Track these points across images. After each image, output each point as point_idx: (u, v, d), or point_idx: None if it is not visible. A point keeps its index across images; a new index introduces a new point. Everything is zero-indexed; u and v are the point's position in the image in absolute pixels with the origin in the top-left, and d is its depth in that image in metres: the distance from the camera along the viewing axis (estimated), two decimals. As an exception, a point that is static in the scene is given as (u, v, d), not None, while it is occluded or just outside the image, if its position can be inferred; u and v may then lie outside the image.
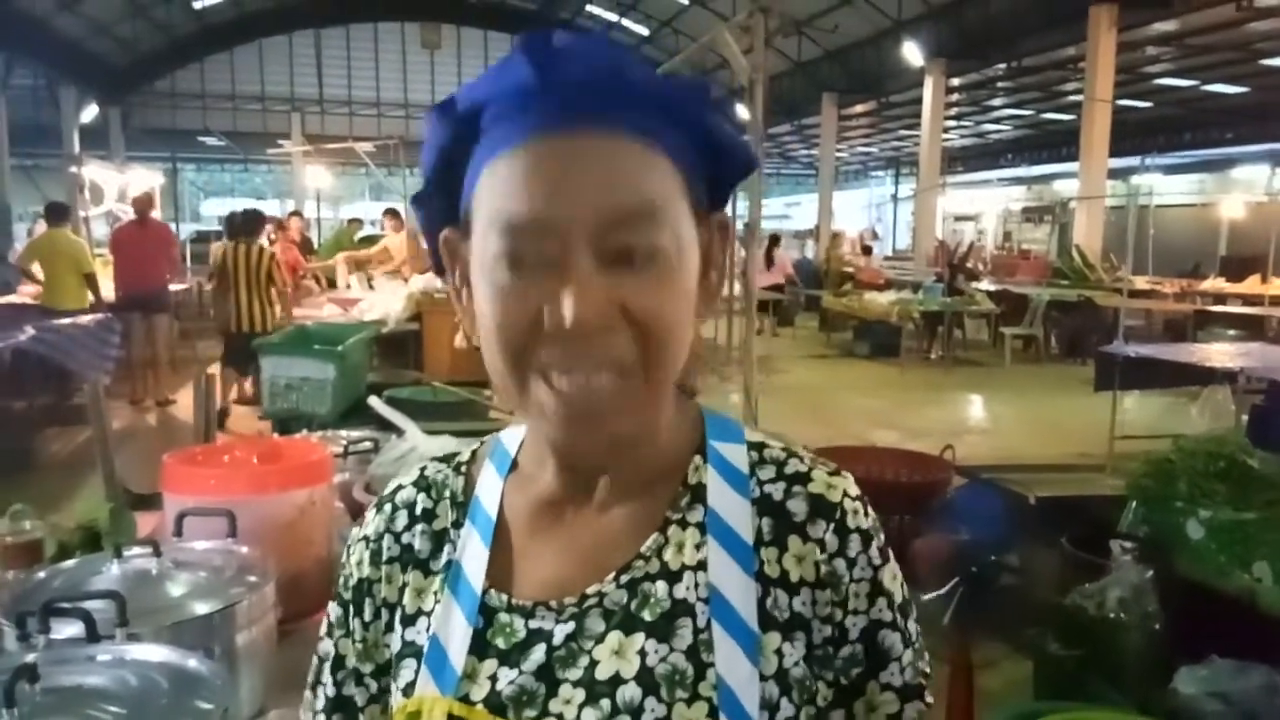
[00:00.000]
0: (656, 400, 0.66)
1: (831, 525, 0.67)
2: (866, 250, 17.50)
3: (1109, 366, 6.08)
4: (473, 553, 0.71)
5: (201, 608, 1.28)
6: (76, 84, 19.65)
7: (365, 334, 4.85)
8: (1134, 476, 3.59)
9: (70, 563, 1.39)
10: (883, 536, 0.70)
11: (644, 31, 23.98)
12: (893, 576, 0.69)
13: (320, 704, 0.77)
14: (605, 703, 0.63)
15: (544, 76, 0.62)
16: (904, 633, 0.69)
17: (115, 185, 12.16)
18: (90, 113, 20.38)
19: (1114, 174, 14.71)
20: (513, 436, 0.77)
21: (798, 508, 0.68)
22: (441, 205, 0.69)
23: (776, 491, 0.69)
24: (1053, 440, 7.17)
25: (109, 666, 1.08)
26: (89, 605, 1.16)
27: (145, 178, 12.19)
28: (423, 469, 0.79)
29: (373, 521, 0.77)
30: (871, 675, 0.67)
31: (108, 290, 8.29)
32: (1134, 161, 12.47)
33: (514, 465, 0.75)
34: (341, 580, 0.78)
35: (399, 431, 2.47)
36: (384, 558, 0.74)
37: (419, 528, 0.74)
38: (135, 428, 7.35)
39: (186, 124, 25.15)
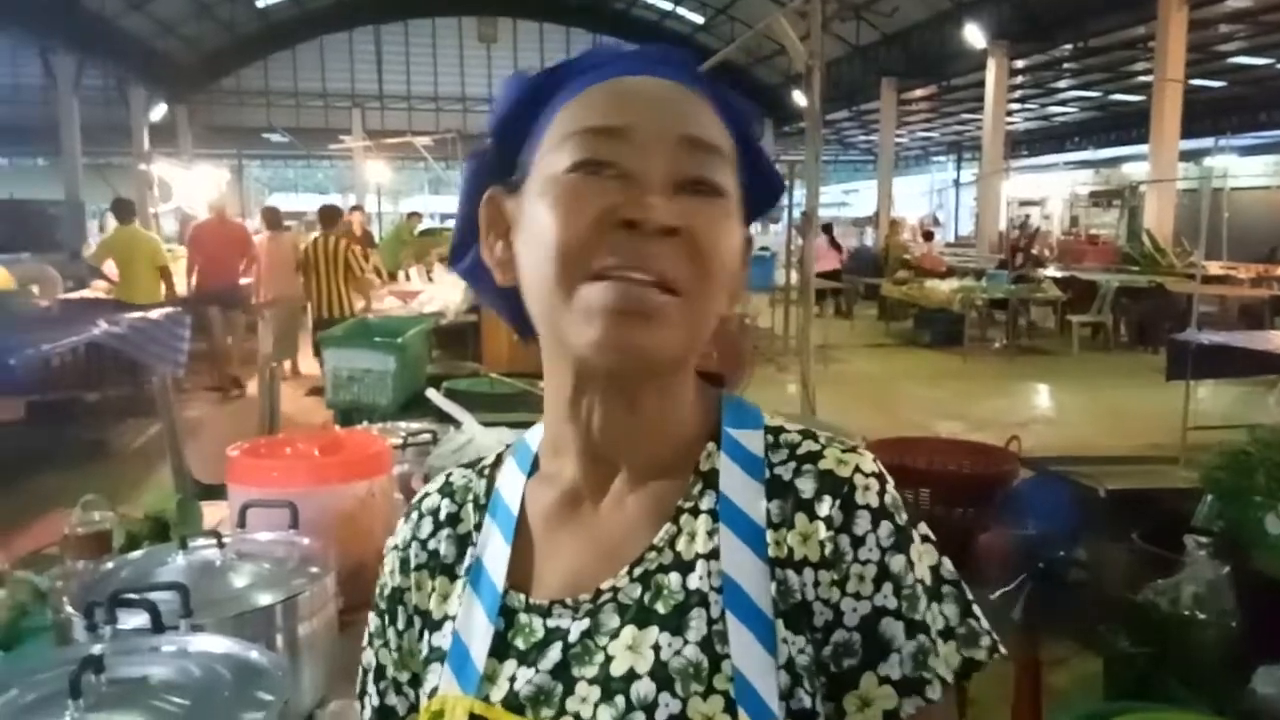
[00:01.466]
0: (697, 328, 0.64)
1: (838, 501, 0.64)
2: (928, 236, 17.19)
3: (1182, 354, 5.90)
4: (494, 551, 0.71)
5: (264, 599, 1.30)
6: (145, 83, 20.18)
7: (424, 326, 4.90)
8: (1209, 469, 3.46)
9: (137, 554, 1.42)
10: (904, 517, 0.65)
11: (698, 20, 23.84)
12: (907, 563, 0.63)
13: (367, 714, 0.78)
14: (620, 699, 0.61)
15: (633, 50, 0.69)
16: (911, 623, 0.62)
17: (183, 182, 12.48)
18: (159, 111, 20.93)
19: (1185, 156, 14.23)
20: (536, 434, 0.77)
21: (806, 485, 0.65)
22: (496, 158, 0.71)
23: (787, 472, 0.66)
24: (1123, 431, 6.98)
25: (173, 657, 1.09)
26: (154, 596, 1.18)
27: (212, 175, 12.49)
28: (448, 475, 0.79)
29: (402, 530, 0.78)
30: (868, 666, 0.62)
31: (183, 285, 8.57)
32: (1207, 143, 12.07)
33: (536, 463, 0.75)
34: (377, 590, 0.79)
35: (457, 423, 2.48)
36: (412, 565, 0.75)
37: (444, 533, 0.75)
38: (208, 417, 7.53)
39: (251, 121, 25.71)
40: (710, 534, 0.65)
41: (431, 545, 0.75)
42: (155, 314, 7.15)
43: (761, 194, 0.71)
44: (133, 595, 1.18)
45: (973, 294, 11.40)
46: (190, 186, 12.36)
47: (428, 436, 2.41)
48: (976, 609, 0.66)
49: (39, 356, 5.53)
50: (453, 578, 0.73)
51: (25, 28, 15.36)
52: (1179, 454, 5.30)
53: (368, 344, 4.10)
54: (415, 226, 12.67)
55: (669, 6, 24.03)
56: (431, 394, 2.45)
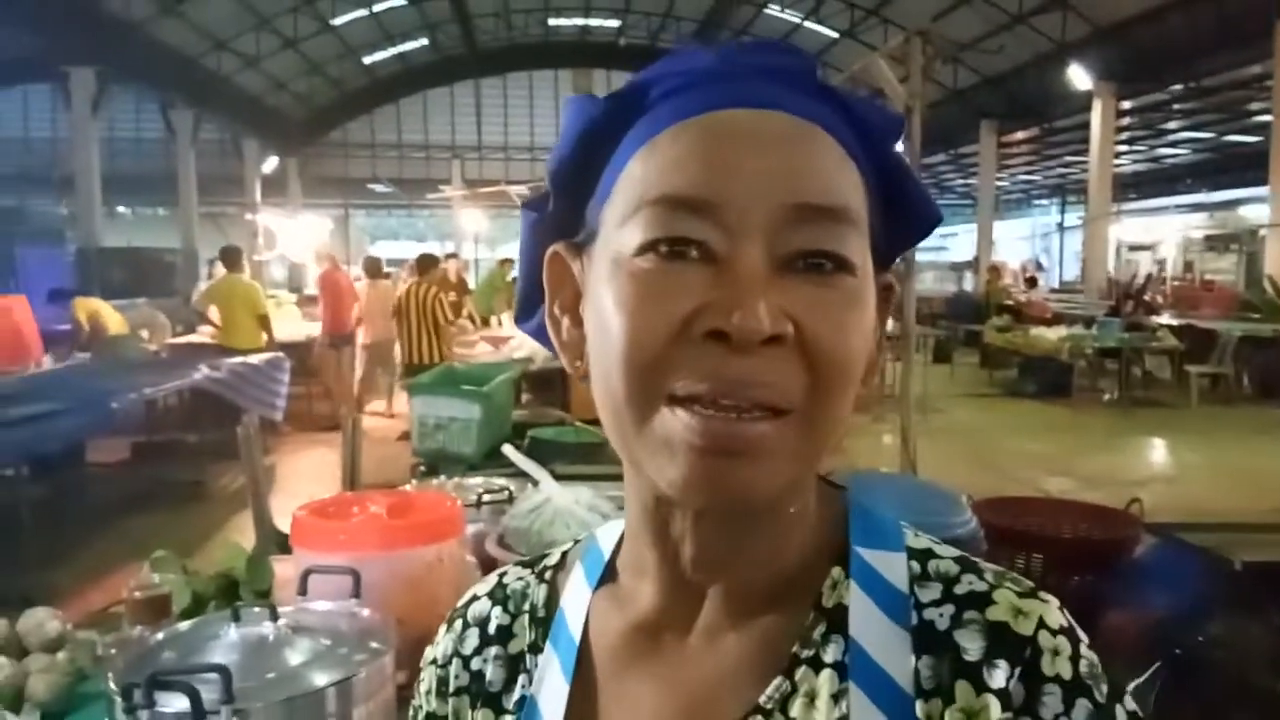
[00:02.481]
0: (812, 456, 0.51)
1: (1018, 670, 0.48)
2: (1031, 282, 16.64)
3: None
4: (551, 689, 0.58)
5: (317, 680, 1.20)
6: (258, 137, 21.20)
7: (511, 374, 4.88)
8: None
9: (186, 625, 1.34)
10: (1104, 690, 0.49)
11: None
12: None
13: None
14: None
15: (727, 59, 0.53)
16: None
17: (289, 231, 12.95)
18: (271, 163, 21.93)
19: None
20: (610, 535, 0.63)
21: (971, 642, 0.50)
22: (560, 211, 0.58)
23: (943, 618, 0.51)
24: (1251, 493, 6.48)
25: (210, 750, 1.00)
26: (197, 679, 1.09)
27: (315, 224, 12.92)
28: (502, 575, 0.66)
29: (443, 641, 0.65)
30: None
31: (313, 329, 8.99)
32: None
33: (607, 573, 0.61)
34: (411, 712, 0.66)
35: (535, 481, 2.38)
36: (451, 688, 0.63)
37: (492, 651, 0.62)
38: (313, 458, 7.61)
39: (357, 172, 26.79)
40: (836, 697, 0.50)
41: (476, 665, 0.62)
42: (255, 359, 7.33)
43: (902, 221, 0.56)
44: (173, 679, 1.09)
45: (1082, 342, 10.90)
46: (295, 235, 12.81)
47: (505, 494, 2.31)
48: None
49: (145, 400, 5.70)
50: (499, 711, 0.60)
51: (148, 84, 16.31)
52: (1320, 520, 4.86)
53: (454, 392, 4.10)
54: (508, 273, 12.83)
55: (762, 55, 24.06)
56: (508, 450, 2.35)
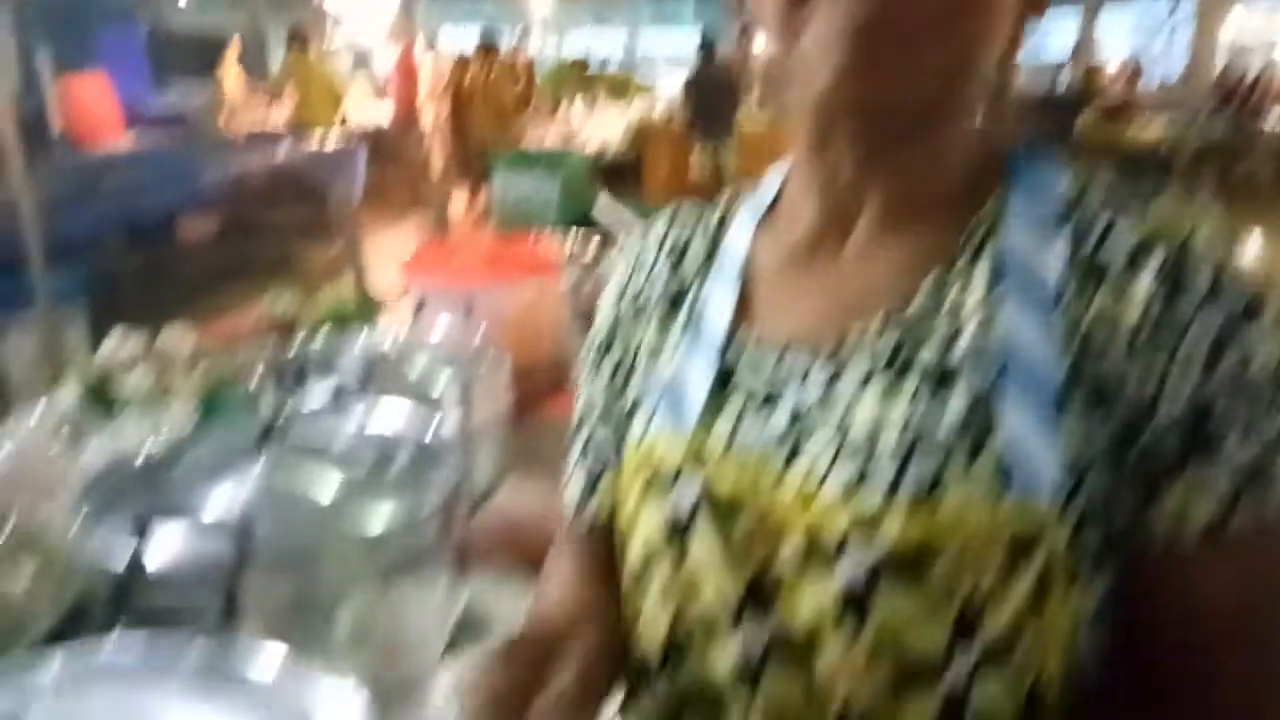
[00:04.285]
0: (950, 55, 0.52)
1: (1172, 259, 0.50)
2: (1134, 77, 15.62)
3: None
4: (720, 294, 0.63)
5: (443, 381, 1.30)
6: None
7: (587, 158, 4.89)
8: None
9: (322, 335, 1.45)
10: (1254, 290, 0.50)
11: None
12: (1251, 346, 0.49)
13: (575, 454, 0.73)
14: (861, 456, 0.52)
15: None
16: (1255, 414, 0.48)
17: (354, 14, 12.63)
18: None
19: None
20: (773, 179, 0.66)
21: (1125, 238, 0.51)
22: None
23: (1100, 218, 0.53)
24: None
25: (356, 427, 1.10)
26: (339, 370, 1.19)
27: (382, 5, 12.55)
28: (675, 209, 0.71)
29: (621, 262, 0.72)
30: (1189, 463, 0.49)
31: (387, 112, 8.89)
32: None
33: (771, 209, 0.65)
34: (589, 338, 0.73)
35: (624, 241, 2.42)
36: (628, 301, 0.69)
37: (666, 265, 0.67)
38: (387, 241, 7.77)
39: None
40: (989, 288, 0.53)
41: (652, 277, 0.68)
42: (332, 142, 7.36)
43: None
44: (319, 366, 1.19)
45: (1183, 138, 10.37)
46: (363, 18, 12.53)
47: (594, 250, 2.36)
48: None
49: (229, 180, 5.81)
50: (672, 314, 0.66)
51: None
52: None
53: (533, 171, 4.12)
54: (581, 71, 12.44)
55: None
56: (603, 200, 2.38)
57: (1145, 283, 0.50)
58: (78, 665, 0.67)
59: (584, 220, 3.55)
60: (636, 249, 0.70)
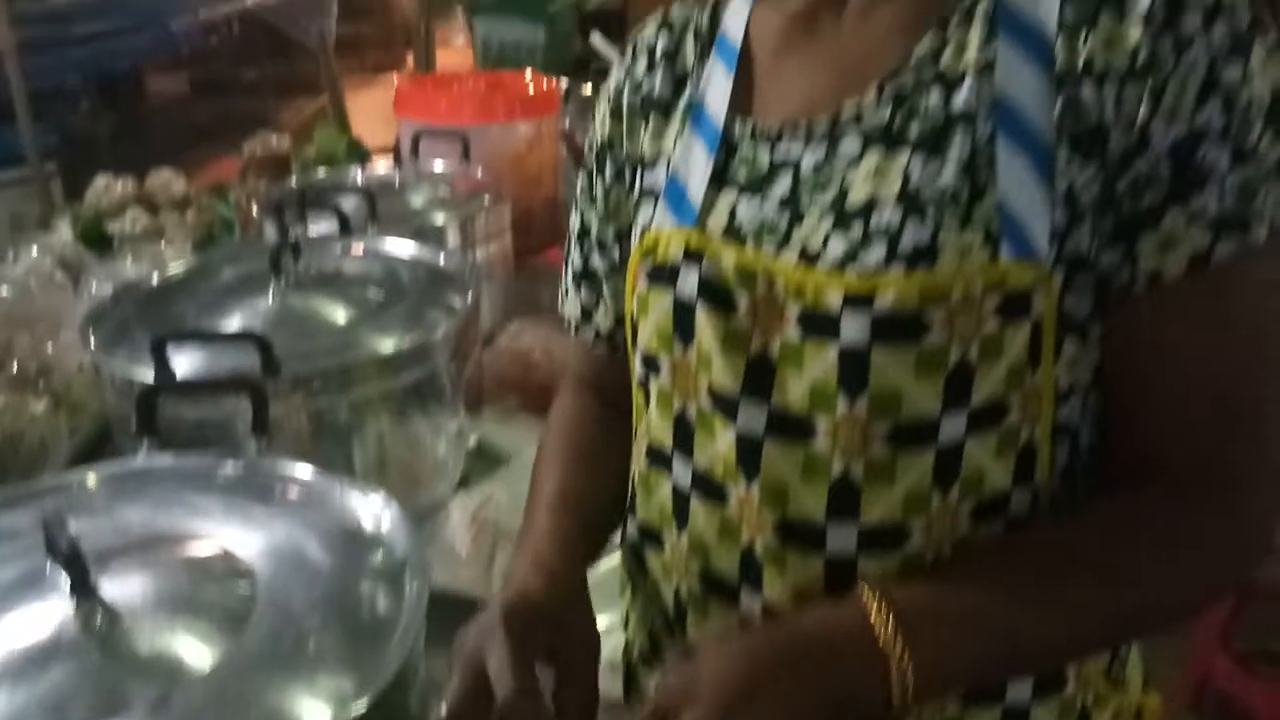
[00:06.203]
0: None
1: None
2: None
3: None
4: (716, 84, 0.62)
5: (444, 216, 1.28)
6: None
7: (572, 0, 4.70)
8: None
9: (319, 170, 1.42)
10: (1247, 17, 0.49)
11: None
12: (1244, 75, 0.48)
13: (569, 276, 0.74)
14: (857, 227, 0.52)
15: None
16: (1240, 150, 0.48)
17: None
18: None
19: None
20: None
21: None
22: None
23: None
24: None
25: (363, 257, 1.09)
26: (341, 202, 1.17)
27: None
28: (666, 10, 0.68)
29: (615, 72, 0.70)
30: (1176, 199, 0.48)
31: None
32: None
33: None
34: (587, 144, 0.72)
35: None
36: (625, 108, 0.68)
37: (660, 70, 0.66)
38: (368, 96, 7.51)
39: None
40: (985, 43, 0.52)
41: (646, 85, 0.67)
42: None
43: None
44: (321, 198, 1.17)
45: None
46: None
47: (589, 87, 2.30)
48: None
49: (198, 25, 5.54)
50: (669, 115, 0.65)
51: None
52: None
53: (517, 12, 3.97)
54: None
55: None
56: (596, 38, 2.31)
57: (1138, 16, 0.49)
58: (110, 481, 0.67)
59: (574, 67, 3.45)
60: (629, 55, 0.69)
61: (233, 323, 0.91)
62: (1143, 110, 0.49)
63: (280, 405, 0.81)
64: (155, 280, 1.02)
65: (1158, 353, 0.52)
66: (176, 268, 1.05)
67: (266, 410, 0.72)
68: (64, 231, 1.46)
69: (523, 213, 1.56)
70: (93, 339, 0.88)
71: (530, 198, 1.67)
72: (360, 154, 1.93)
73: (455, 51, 7.39)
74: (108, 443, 1.05)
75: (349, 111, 3.56)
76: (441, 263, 1.08)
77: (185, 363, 0.82)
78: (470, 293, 1.02)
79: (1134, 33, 0.49)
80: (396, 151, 1.72)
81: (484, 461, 1.12)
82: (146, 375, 0.81)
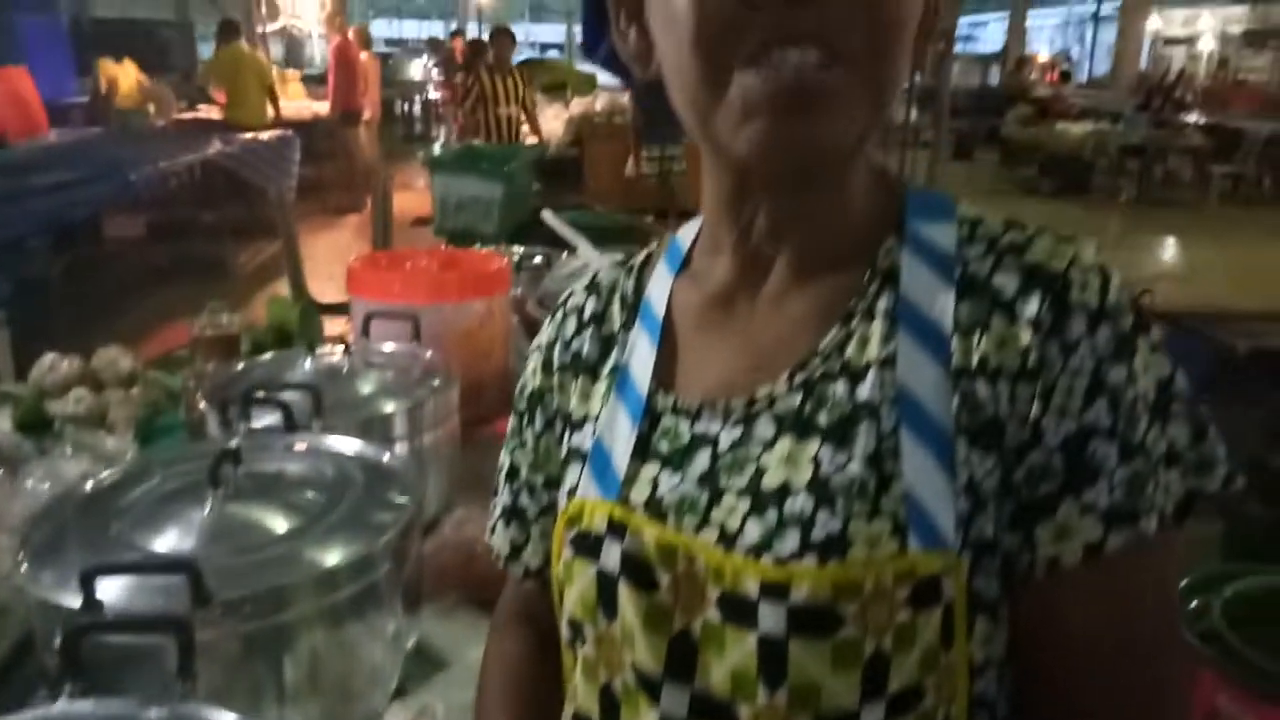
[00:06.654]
0: (874, 103, 0.54)
1: (1048, 299, 0.52)
2: (1064, 77, 16.00)
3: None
4: (640, 354, 0.66)
5: (392, 405, 1.29)
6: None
7: (530, 155, 4.85)
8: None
9: (267, 357, 1.42)
10: (1129, 321, 0.53)
11: None
12: (1129, 376, 0.52)
13: (497, 513, 0.76)
14: (771, 514, 0.54)
15: None
16: (1127, 445, 0.51)
17: (287, 2, 12.36)
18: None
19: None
20: (688, 231, 0.70)
21: (1007, 281, 0.54)
22: None
23: (984, 267, 0.55)
24: (1263, 291, 6.52)
25: (306, 455, 1.09)
26: (286, 396, 1.18)
27: (316, -4, 12.30)
28: (595, 274, 0.74)
29: (546, 330, 0.74)
30: (1069, 491, 0.52)
31: (321, 108, 8.95)
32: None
33: (687, 262, 0.68)
34: (518, 390, 0.76)
35: (569, 249, 2.43)
36: (555, 366, 0.71)
37: (588, 333, 0.70)
38: (324, 240, 7.64)
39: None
40: (886, 339, 0.56)
41: (575, 345, 0.71)
42: (266, 135, 7.20)
43: None
44: (266, 394, 1.17)
45: (1106, 138, 10.64)
46: (296, 4, 12.26)
47: (540, 260, 2.36)
48: (1213, 432, 0.54)
49: (159, 175, 5.65)
50: (596, 377, 0.68)
51: None
52: (1326, 317, 4.92)
53: (475, 171, 4.08)
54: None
55: None
56: (548, 216, 2.38)
57: (1027, 321, 0.53)
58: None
59: (528, 222, 3.53)
60: (559, 316, 0.73)
61: (168, 539, 0.89)
62: (1035, 408, 0.52)
63: (210, 632, 0.79)
64: (90, 486, 1.01)
65: (1060, 633, 0.54)
66: (114, 472, 1.04)
67: (193, 651, 0.70)
68: (3, 421, 1.45)
69: (472, 384, 1.58)
70: (25, 562, 0.86)
71: (480, 369, 1.69)
72: (312, 324, 1.95)
73: (415, 194, 7.60)
74: (30, 651, 1.01)
75: (311, 254, 3.59)
76: (386, 460, 1.08)
77: (114, 589, 0.81)
78: (415, 493, 1.01)
79: (1024, 336, 0.53)
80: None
81: (423, 665, 1.09)
82: (74, 601, 0.79)
